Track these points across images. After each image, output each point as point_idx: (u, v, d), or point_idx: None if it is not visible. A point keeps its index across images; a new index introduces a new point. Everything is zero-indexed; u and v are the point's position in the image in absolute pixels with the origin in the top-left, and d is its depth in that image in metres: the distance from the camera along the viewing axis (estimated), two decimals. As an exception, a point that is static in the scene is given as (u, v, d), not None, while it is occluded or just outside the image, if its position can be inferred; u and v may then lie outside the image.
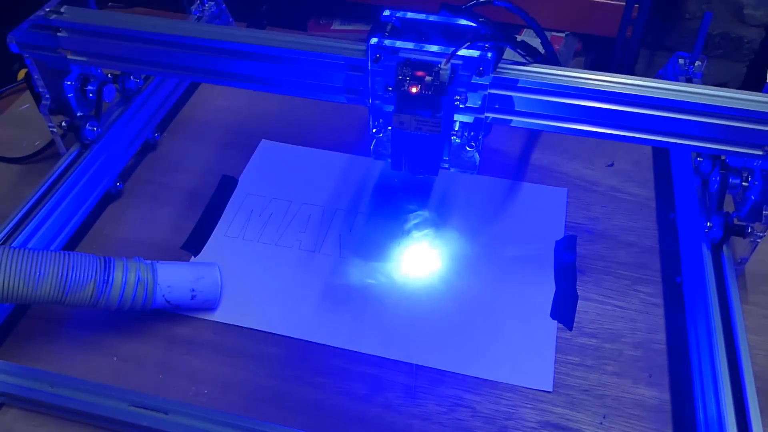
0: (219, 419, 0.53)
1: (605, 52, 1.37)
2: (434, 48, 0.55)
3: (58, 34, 0.65)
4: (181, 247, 0.69)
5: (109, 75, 0.73)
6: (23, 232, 0.63)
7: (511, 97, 0.58)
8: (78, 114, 0.70)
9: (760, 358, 0.59)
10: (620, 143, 0.80)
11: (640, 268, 0.67)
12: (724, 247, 0.62)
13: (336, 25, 1.44)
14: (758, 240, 0.60)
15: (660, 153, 0.79)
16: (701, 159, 0.68)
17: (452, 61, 0.54)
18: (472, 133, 0.59)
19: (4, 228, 0.63)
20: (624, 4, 1.25)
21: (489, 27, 0.55)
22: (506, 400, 0.57)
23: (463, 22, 0.57)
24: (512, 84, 0.57)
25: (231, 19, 0.90)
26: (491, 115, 0.59)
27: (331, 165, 0.78)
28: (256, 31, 0.64)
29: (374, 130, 0.61)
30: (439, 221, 0.72)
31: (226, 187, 0.76)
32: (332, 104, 0.86)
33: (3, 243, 0.62)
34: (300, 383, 0.58)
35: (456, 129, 0.59)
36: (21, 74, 0.92)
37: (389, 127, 0.60)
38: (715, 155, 0.65)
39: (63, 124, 0.69)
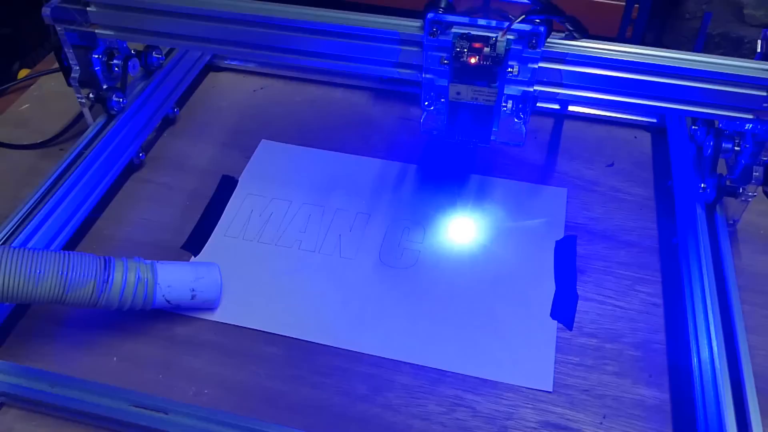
0: (219, 419, 0.53)
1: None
2: (488, 22, 0.58)
3: (88, 8, 0.68)
4: (181, 247, 0.69)
5: (132, 51, 0.76)
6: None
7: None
8: (104, 86, 0.73)
9: (760, 358, 0.59)
10: (620, 143, 0.81)
11: (640, 268, 0.67)
12: (718, 208, 0.66)
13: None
14: (749, 200, 0.64)
15: (660, 153, 0.79)
16: (696, 127, 0.71)
17: (507, 34, 0.57)
18: (520, 105, 0.63)
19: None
20: (624, 4, 1.25)
21: (539, 2, 0.58)
22: (506, 400, 0.57)
23: None
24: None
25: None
26: (539, 88, 0.62)
27: (331, 165, 0.78)
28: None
29: (426, 104, 0.64)
30: (440, 222, 0.72)
31: (226, 187, 0.76)
32: (332, 104, 0.87)
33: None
34: (300, 383, 0.58)
35: (505, 101, 0.63)
36: (21, 74, 0.92)
37: (442, 100, 0.63)
38: (709, 121, 0.69)
39: (90, 96, 0.72)
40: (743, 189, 0.63)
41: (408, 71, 0.64)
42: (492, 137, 0.64)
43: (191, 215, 0.73)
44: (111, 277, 0.56)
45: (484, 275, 0.66)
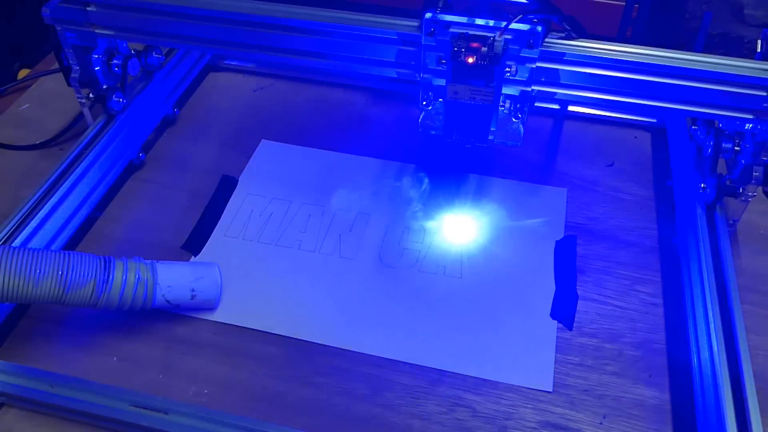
0: (219, 419, 0.53)
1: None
2: (486, 22, 0.58)
3: (88, 8, 0.68)
4: (181, 247, 0.69)
5: (132, 51, 0.76)
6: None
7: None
8: (104, 86, 0.73)
9: (760, 358, 0.59)
10: (620, 143, 0.81)
11: (640, 268, 0.67)
12: (718, 208, 0.66)
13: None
14: (749, 200, 0.64)
15: (660, 153, 0.79)
16: (696, 127, 0.71)
17: (504, 34, 0.57)
18: (518, 105, 0.63)
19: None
20: (624, 4, 1.25)
21: (537, 1, 0.58)
22: (506, 400, 0.57)
23: None
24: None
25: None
26: (537, 88, 0.62)
27: (331, 165, 0.78)
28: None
29: (424, 103, 0.64)
30: (440, 222, 0.72)
31: (226, 187, 0.76)
32: (332, 104, 0.87)
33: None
34: (300, 383, 0.58)
35: (503, 101, 0.63)
36: (21, 74, 0.92)
37: (440, 99, 0.64)
38: (709, 121, 0.68)
39: (90, 95, 0.72)
40: (743, 189, 0.63)
41: (406, 71, 0.64)
42: (490, 137, 0.64)
43: (191, 215, 0.73)
44: (111, 277, 0.56)
45: (484, 275, 0.66)
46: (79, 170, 0.69)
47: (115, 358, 0.60)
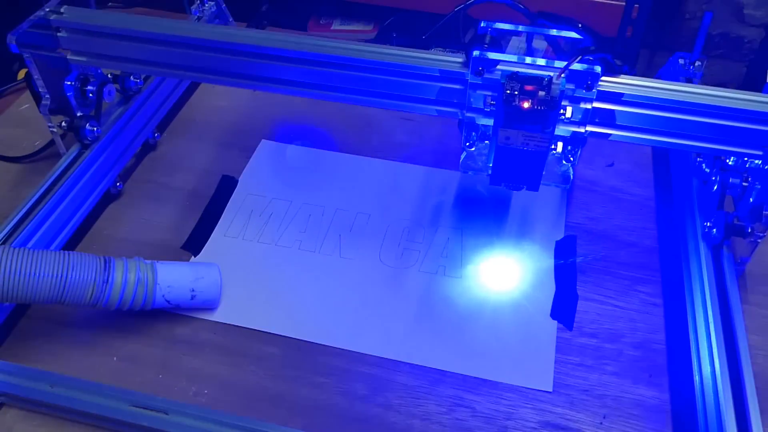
0: (219, 419, 0.53)
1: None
2: (540, 61, 0.53)
3: (58, 34, 0.65)
4: (181, 247, 0.69)
5: (109, 75, 0.73)
6: (24, 232, 0.63)
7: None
8: (78, 114, 0.69)
9: (760, 358, 0.59)
10: (620, 143, 0.80)
11: (640, 268, 0.67)
12: (725, 247, 0.63)
13: (336, 25, 1.44)
14: (758, 240, 0.60)
15: (660, 153, 0.79)
16: (701, 159, 0.68)
17: (563, 74, 0.53)
18: (569, 147, 0.59)
19: (4, 228, 0.63)
20: (624, 4, 1.25)
21: (590, 37, 0.55)
22: (506, 400, 0.57)
23: (555, 32, 0.57)
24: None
25: (231, 19, 0.90)
26: (591, 129, 0.58)
27: (331, 165, 0.78)
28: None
29: (467, 144, 0.60)
30: (440, 222, 0.72)
31: (226, 187, 0.76)
32: (332, 104, 0.86)
33: (3, 243, 0.61)
34: (300, 383, 0.58)
35: (554, 143, 0.59)
36: (21, 74, 0.92)
37: (485, 141, 0.59)
38: (715, 155, 0.65)
39: (63, 124, 0.69)
40: (752, 228, 0.59)
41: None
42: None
43: (191, 215, 0.73)
44: (111, 277, 0.56)
45: (484, 275, 0.66)
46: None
47: (115, 358, 0.60)
